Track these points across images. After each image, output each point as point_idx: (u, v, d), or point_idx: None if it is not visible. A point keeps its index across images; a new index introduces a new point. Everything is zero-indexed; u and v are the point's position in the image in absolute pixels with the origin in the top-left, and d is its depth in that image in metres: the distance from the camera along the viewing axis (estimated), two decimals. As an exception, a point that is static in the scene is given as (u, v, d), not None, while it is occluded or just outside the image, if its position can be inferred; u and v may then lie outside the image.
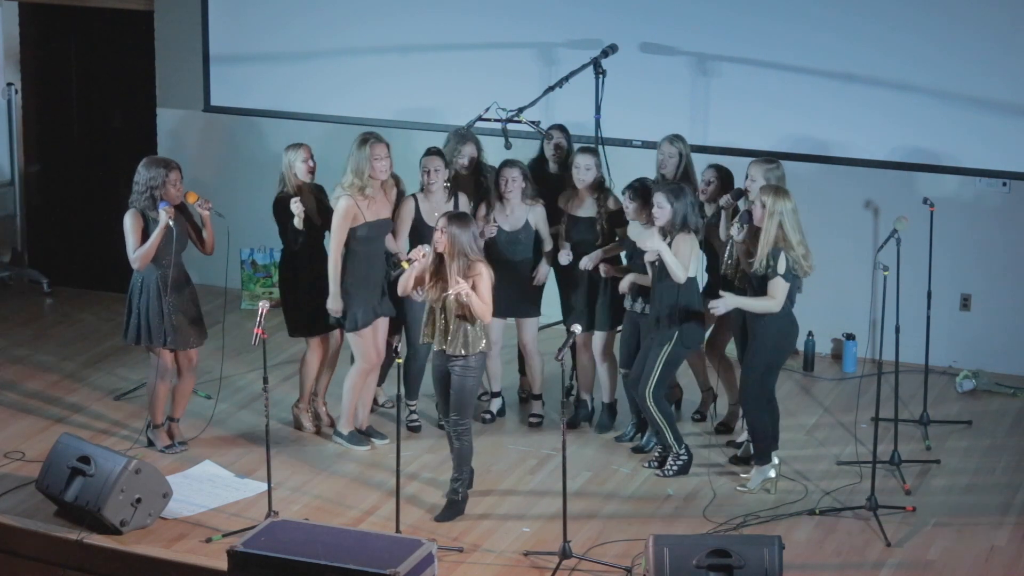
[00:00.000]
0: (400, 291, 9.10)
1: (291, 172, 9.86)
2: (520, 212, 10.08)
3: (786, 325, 9.28)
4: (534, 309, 10.28)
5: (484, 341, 9.02)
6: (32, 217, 13.38)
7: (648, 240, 9.42)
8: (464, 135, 10.31)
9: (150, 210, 9.55)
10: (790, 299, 9.21)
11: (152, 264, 9.58)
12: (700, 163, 10.29)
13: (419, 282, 9.00)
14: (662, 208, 9.37)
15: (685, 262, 9.35)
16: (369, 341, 9.80)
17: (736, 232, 9.32)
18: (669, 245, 9.35)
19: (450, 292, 8.82)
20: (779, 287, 9.09)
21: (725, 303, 9.18)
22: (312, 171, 9.89)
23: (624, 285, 9.73)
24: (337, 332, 10.12)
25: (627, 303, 9.82)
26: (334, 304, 9.69)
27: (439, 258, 8.92)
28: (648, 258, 9.51)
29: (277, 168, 9.83)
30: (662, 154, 10.15)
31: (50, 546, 8.88)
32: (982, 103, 10.82)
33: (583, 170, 10.00)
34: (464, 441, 9.12)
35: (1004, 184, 11.08)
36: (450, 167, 10.06)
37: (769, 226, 9.07)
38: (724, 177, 9.98)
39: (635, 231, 9.75)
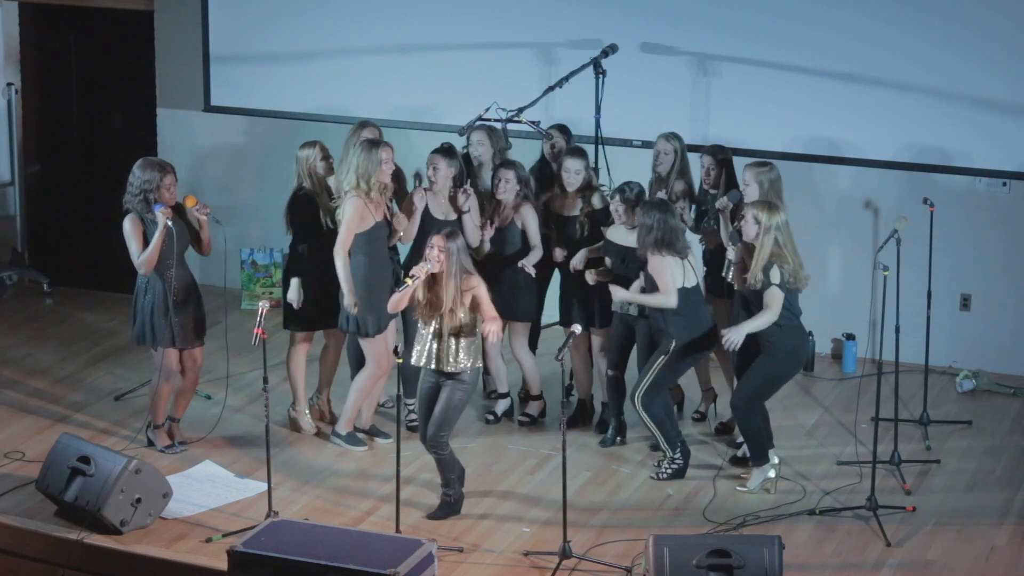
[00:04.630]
0: (393, 308, 9.02)
1: (311, 169, 9.86)
2: (508, 210, 10.08)
3: (797, 341, 9.28)
4: (520, 312, 10.24)
5: (480, 356, 8.99)
6: (32, 217, 13.38)
7: (615, 294, 9.51)
8: (489, 130, 10.33)
9: (145, 212, 9.55)
10: (795, 312, 9.20)
11: (155, 267, 9.58)
12: (699, 162, 10.29)
13: (411, 300, 8.94)
14: (616, 210, 9.44)
15: (664, 281, 9.31)
16: (382, 346, 9.79)
17: (732, 254, 9.30)
18: (645, 265, 9.34)
19: (489, 338, 8.74)
20: (775, 297, 9.09)
21: (737, 335, 9.14)
22: (331, 166, 9.92)
23: (618, 298, 9.63)
24: (330, 332, 10.13)
25: (616, 305, 9.81)
26: (350, 300, 9.65)
27: (431, 277, 8.81)
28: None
29: (277, 168, 9.83)
30: (657, 151, 10.17)
31: (50, 546, 8.88)
32: (982, 103, 10.83)
33: (572, 174, 10.00)
34: (443, 453, 9.03)
35: (1004, 184, 11.08)
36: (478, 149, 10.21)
37: (765, 241, 9.07)
38: (723, 161, 9.98)
39: (616, 234, 9.74)
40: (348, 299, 9.62)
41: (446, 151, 10.00)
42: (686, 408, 10.56)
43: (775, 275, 9.07)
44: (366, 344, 9.80)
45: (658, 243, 9.30)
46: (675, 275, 9.32)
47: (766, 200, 9.28)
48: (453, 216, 9.94)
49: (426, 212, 9.97)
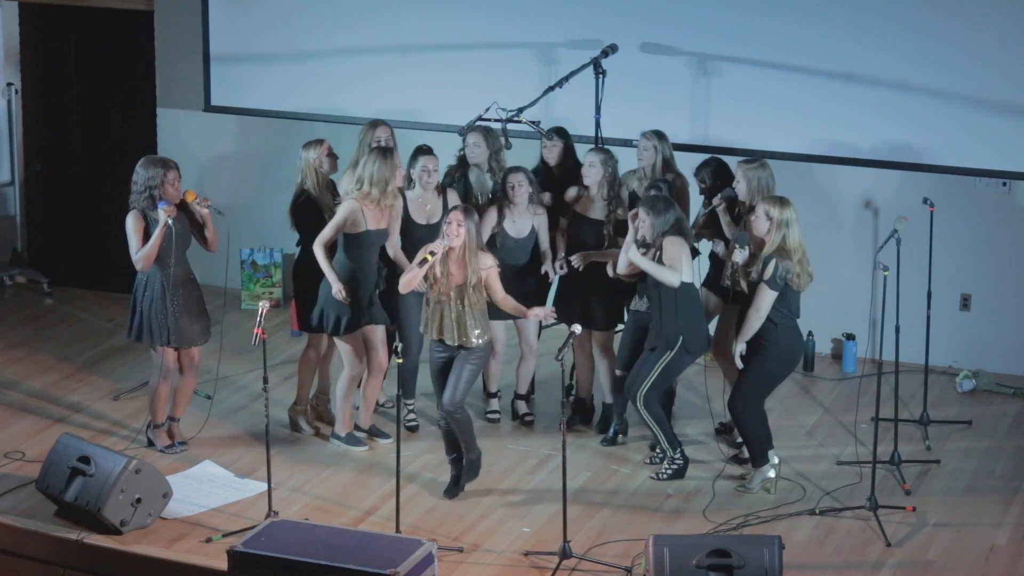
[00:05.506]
0: (404, 288, 9.12)
1: (315, 168, 9.87)
2: (526, 218, 10.09)
3: (793, 340, 9.29)
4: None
5: (489, 330, 9.22)
6: (32, 217, 13.37)
7: (623, 255, 9.46)
8: (485, 131, 10.34)
9: (150, 210, 9.56)
10: (793, 312, 9.21)
11: (155, 264, 9.59)
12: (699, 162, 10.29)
13: (432, 284, 9.08)
14: (643, 222, 9.40)
15: (675, 264, 9.32)
16: (355, 347, 9.79)
17: (739, 256, 9.28)
18: (659, 251, 9.35)
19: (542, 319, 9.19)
20: (764, 294, 9.10)
21: (740, 346, 9.26)
22: (336, 164, 9.92)
23: (629, 257, 9.50)
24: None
25: (634, 303, 9.82)
26: (338, 288, 9.66)
27: (446, 252, 8.98)
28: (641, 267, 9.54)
29: (277, 168, 9.83)
30: (638, 146, 10.20)
31: (50, 546, 8.88)
32: (982, 103, 10.82)
33: (587, 166, 10.04)
34: (461, 415, 9.23)
35: (1004, 184, 11.08)
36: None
37: (775, 237, 9.08)
38: (715, 174, 9.98)
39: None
40: (335, 287, 9.63)
41: (431, 151, 10.01)
42: (684, 409, 10.55)
43: (768, 271, 9.08)
44: (338, 343, 9.82)
45: (674, 227, 9.34)
46: (688, 259, 9.36)
47: (778, 196, 9.30)
48: (435, 219, 9.91)
49: (406, 215, 9.94)
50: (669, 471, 9.63)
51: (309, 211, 9.91)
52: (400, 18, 11.97)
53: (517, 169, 10.08)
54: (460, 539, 8.88)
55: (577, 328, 8.75)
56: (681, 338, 9.41)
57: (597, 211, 10.07)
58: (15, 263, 13.23)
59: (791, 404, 10.75)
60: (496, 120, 10.58)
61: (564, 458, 8.51)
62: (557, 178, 10.38)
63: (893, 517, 9.09)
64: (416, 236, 9.89)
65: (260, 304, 8.89)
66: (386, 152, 9.68)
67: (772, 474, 9.45)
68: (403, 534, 8.66)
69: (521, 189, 9.99)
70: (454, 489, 9.39)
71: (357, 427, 10.10)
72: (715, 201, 9.81)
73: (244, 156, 12.75)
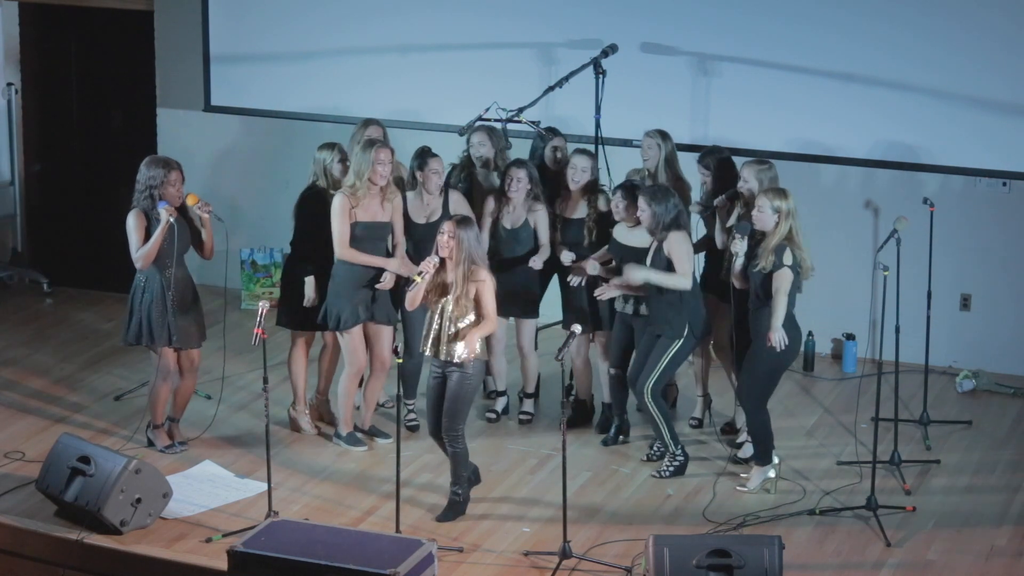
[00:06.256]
0: (409, 306, 9.02)
1: (327, 170, 9.88)
2: (520, 211, 10.09)
3: (791, 330, 9.27)
4: (531, 310, 10.28)
5: (484, 349, 9.02)
6: (32, 217, 13.38)
7: (633, 274, 9.42)
8: (488, 130, 10.34)
9: (151, 210, 9.56)
10: (792, 301, 9.20)
11: (154, 265, 9.58)
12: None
13: (426, 294, 8.96)
14: (643, 211, 9.41)
15: (683, 262, 9.34)
16: (356, 343, 9.79)
17: (739, 247, 9.27)
18: (661, 245, 9.36)
19: (457, 351, 8.76)
20: (786, 278, 9.08)
21: (776, 334, 9.11)
22: (347, 169, 9.94)
23: (637, 277, 9.49)
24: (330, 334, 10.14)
25: (618, 304, 9.82)
26: (399, 266, 9.73)
27: (440, 263, 8.87)
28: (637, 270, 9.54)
29: (277, 168, 9.81)
30: (642, 146, 10.21)
31: (50, 546, 8.88)
32: (982, 103, 10.83)
33: (579, 171, 10.02)
34: (458, 447, 9.07)
35: (1004, 184, 11.09)
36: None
37: (783, 227, 9.08)
38: (720, 164, 9.97)
39: (621, 232, 9.75)
40: (395, 267, 9.69)
41: (433, 152, 10.00)
42: (683, 409, 10.55)
43: (787, 257, 9.07)
44: (340, 340, 9.82)
45: (675, 220, 9.36)
46: (691, 254, 9.39)
47: (776, 188, 9.31)
48: (435, 219, 9.90)
49: (405, 214, 9.93)
50: (671, 468, 9.64)
51: (316, 203, 9.88)
52: (400, 18, 11.99)
53: (520, 164, 10.07)
54: (460, 539, 8.88)
55: (577, 328, 8.74)
56: (688, 325, 9.43)
57: (581, 211, 10.08)
58: (15, 263, 13.24)
59: (791, 404, 10.75)
60: (496, 120, 10.59)
61: (564, 458, 8.51)
62: (551, 177, 10.38)
63: (893, 517, 9.09)
64: (415, 235, 9.90)
65: (260, 304, 8.88)
66: (368, 145, 9.66)
67: (772, 474, 9.45)
68: (403, 534, 8.66)
69: (519, 184, 9.99)
70: (446, 514, 9.17)
71: (357, 427, 10.11)
72: (717, 201, 9.80)
73: (244, 156, 12.75)
